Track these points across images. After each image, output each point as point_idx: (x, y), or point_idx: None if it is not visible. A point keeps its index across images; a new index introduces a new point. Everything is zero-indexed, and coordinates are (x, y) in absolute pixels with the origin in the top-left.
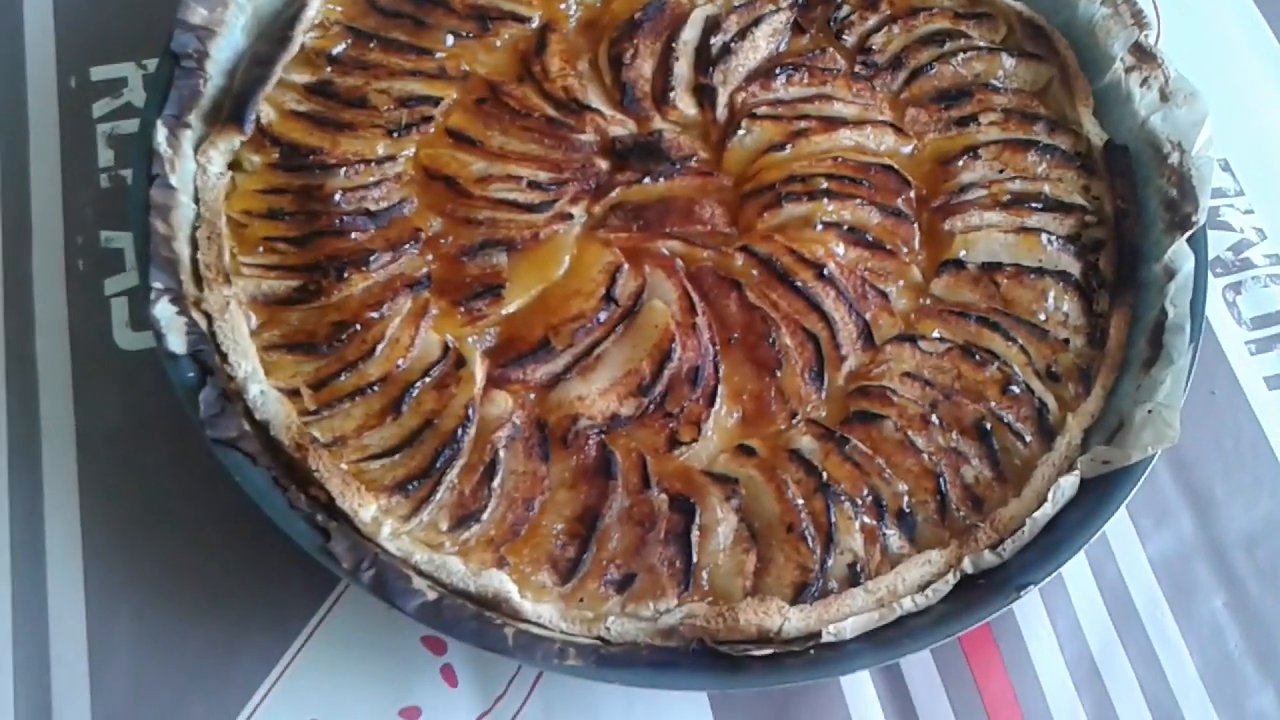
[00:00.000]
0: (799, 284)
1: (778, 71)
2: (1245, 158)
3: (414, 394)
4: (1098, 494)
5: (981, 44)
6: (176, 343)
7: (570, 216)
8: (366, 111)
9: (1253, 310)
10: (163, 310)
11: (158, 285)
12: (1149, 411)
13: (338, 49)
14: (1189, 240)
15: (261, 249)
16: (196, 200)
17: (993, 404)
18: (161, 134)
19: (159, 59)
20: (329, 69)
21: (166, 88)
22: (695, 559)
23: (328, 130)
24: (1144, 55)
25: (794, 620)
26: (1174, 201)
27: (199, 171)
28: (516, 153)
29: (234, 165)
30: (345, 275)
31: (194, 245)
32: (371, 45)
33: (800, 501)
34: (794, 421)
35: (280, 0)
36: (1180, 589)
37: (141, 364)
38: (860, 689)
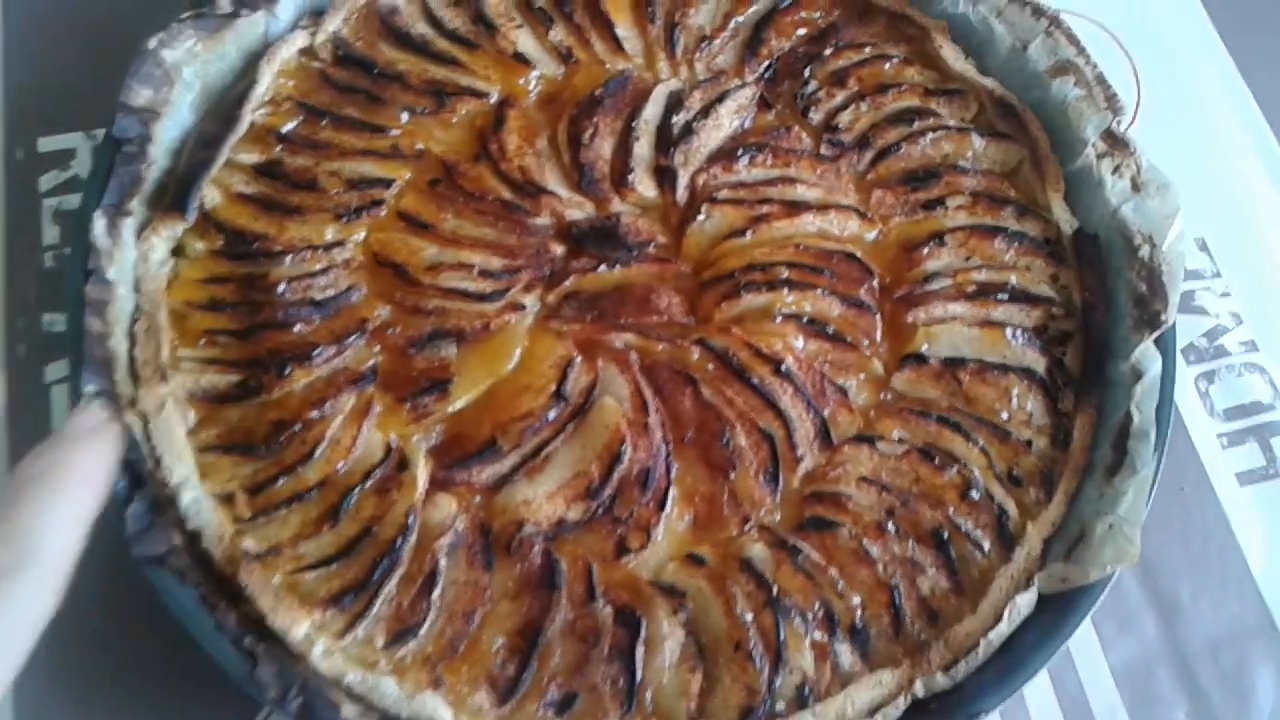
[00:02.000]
0: (755, 381)
1: (740, 153)
2: (1223, 237)
3: (353, 500)
4: (1055, 611)
5: (951, 123)
6: None
7: (523, 306)
8: (315, 194)
9: (1226, 401)
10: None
11: (90, 389)
12: (1110, 526)
13: (288, 126)
14: (1158, 341)
15: (203, 342)
16: (137, 290)
17: (951, 510)
18: (100, 225)
19: (101, 143)
20: (279, 147)
21: (107, 174)
22: (639, 677)
23: (275, 215)
24: (1116, 142)
25: None
26: (1143, 297)
27: (140, 260)
28: (469, 238)
29: (177, 251)
30: (287, 371)
31: (131, 340)
32: (323, 123)
33: (749, 617)
34: (746, 527)
35: (231, 75)
36: (1142, 699)
37: None
38: None
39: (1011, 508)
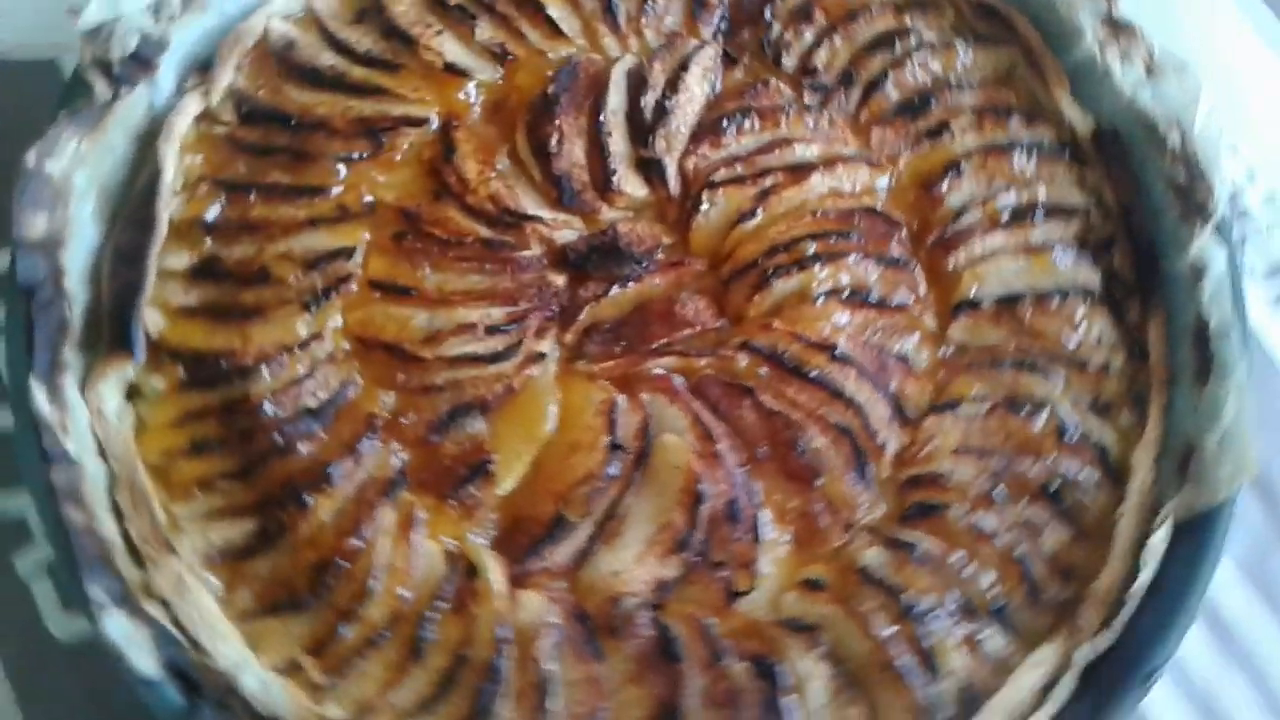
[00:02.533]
0: (814, 373)
1: (725, 123)
2: (1221, 98)
3: (431, 628)
4: (1189, 541)
5: (932, 37)
6: (145, 664)
7: (542, 355)
8: (271, 286)
9: (1263, 263)
10: (115, 628)
11: (98, 597)
12: (1220, 441)
13: (212, 213)
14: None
15: (199, 493)
16: (101, 454)
17: (1051, 459)
18: (40, 394)
19: (7, 297)
20: (209, 240)
21: (27, 330)
22: None
23: (232, 323)
24: (1119, 28)
25: None
26: (1183, 188)
27: (95, 418)
28: (459, 292)
29: (133, 393)
30: (307, 501)
31: (117, 514)
32: (251, 198)
33: (889, 632)
34: (851, 533)
35: (127, 168)
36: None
37: (89, 653)
38: None
39: (1109, 438)
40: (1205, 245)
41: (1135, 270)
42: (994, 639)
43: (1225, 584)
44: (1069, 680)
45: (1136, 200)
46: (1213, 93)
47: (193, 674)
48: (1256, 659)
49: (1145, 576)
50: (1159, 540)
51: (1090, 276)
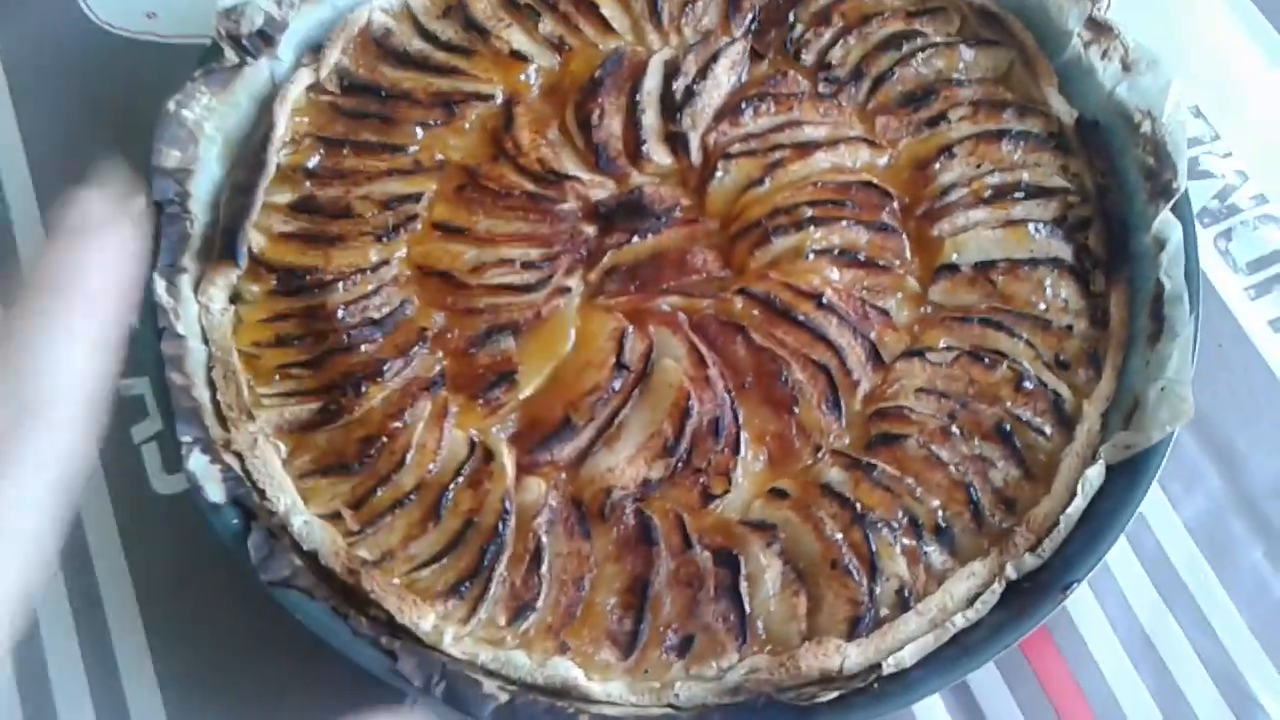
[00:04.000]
0: (800, 317)
1: (744, 106)
2: (1215, 100)
3: (450, 496)
4: (1125, 478)
5: (938, 40)
6: (215, 493)
7: (568, 289)
8: (353, 220)
9: (1247, 255)
10: (196, 463)
11: (186, 439)
12: (1161, 389)
13: (313, 161)
14: (1174, 208)
15: (277, 378)
16: (206, 341)
17: (1009, 404)
18: (160, 285)
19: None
20: (308, 183)
21: (156, 237)
22: (749, 610)
23: (319, 247)
24: (1100, 28)
25: (853, 656)
26: (1152, 170)
27: (202, 312)
28: (505, 234)
29: (235, 298)
30: (363, 390)
31: (211, 387)
32: (345, 151)
33: (839, 536)
34: (819, 455)
35: (248, 123)
36: (1219, 547)
37: (184, 507)
38: (930, 708)
39: (1065, 390)
40: (1165, 219)
41: (1107, 247)
42: (935, 555)
43: (1180, 546)
44: (996, 588)
45: (1113, 184)
46: (1207, 97)
47: (253, 508)
48: (1203, 611)
49: (1078, 503)
50: (1095, 473)
51: (1063, 249)
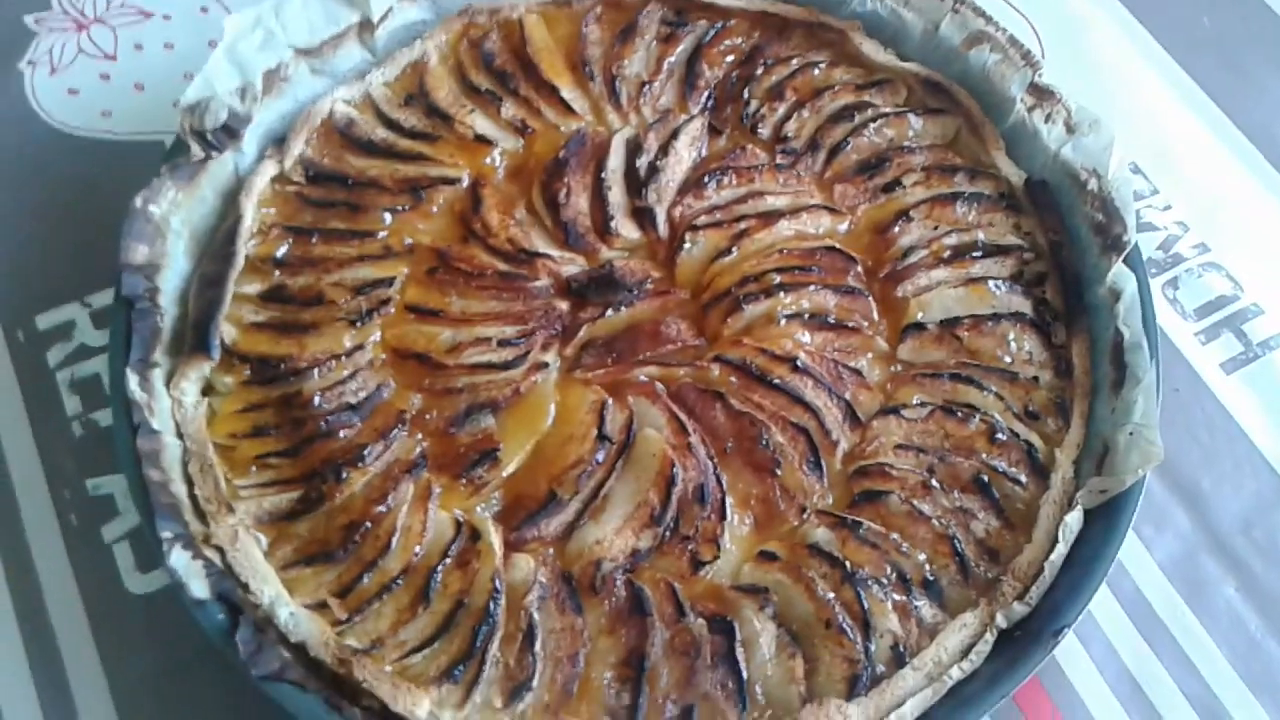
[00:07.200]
0: (777, 381)
1: (707, 179)
2: (1150, 156)
3: (438, 578)
4: (1103, 521)
5: (888, 110)
6: (199, 588)
7: (546, 365)
8: (325, 307)
9: (1194, 301)
10: (178, 559)
11: (167, 535)
12: (1130, 434)
13: (281, 251)
14: (1126, 260)
15: (255, 468)
16: (180, 435)
17: (984, 455)
18: (133, 381)
19: (112, 304)
20: (278, 272)
21: (126, 333)
22: (746, 675)
23: (292, 335)
24: (1042, 93)
25: (855, 717)
26: (1102, 225)
27: (175, 406)
28: (479, 314)
29: (207, 391)
30: (344, 475)
31: (188, 481)
32: (313, 240)
33: (831, 595)
34: (804, 516)
35: (214, 216)
36: (1194, 586)
37: (161, 606)
38: None
39: (1037, 440)
40: (1119, 271)
41: (1064, 299)
42: (925, 609)
43: (1157, 587)
44: (988, 638)
45: (1065, 240)
46: (1144, 154)
47: (238, 602)
48: (1184, 650)
49: (1061, 550)
50: (1074, 519)
51: (1022, 303)
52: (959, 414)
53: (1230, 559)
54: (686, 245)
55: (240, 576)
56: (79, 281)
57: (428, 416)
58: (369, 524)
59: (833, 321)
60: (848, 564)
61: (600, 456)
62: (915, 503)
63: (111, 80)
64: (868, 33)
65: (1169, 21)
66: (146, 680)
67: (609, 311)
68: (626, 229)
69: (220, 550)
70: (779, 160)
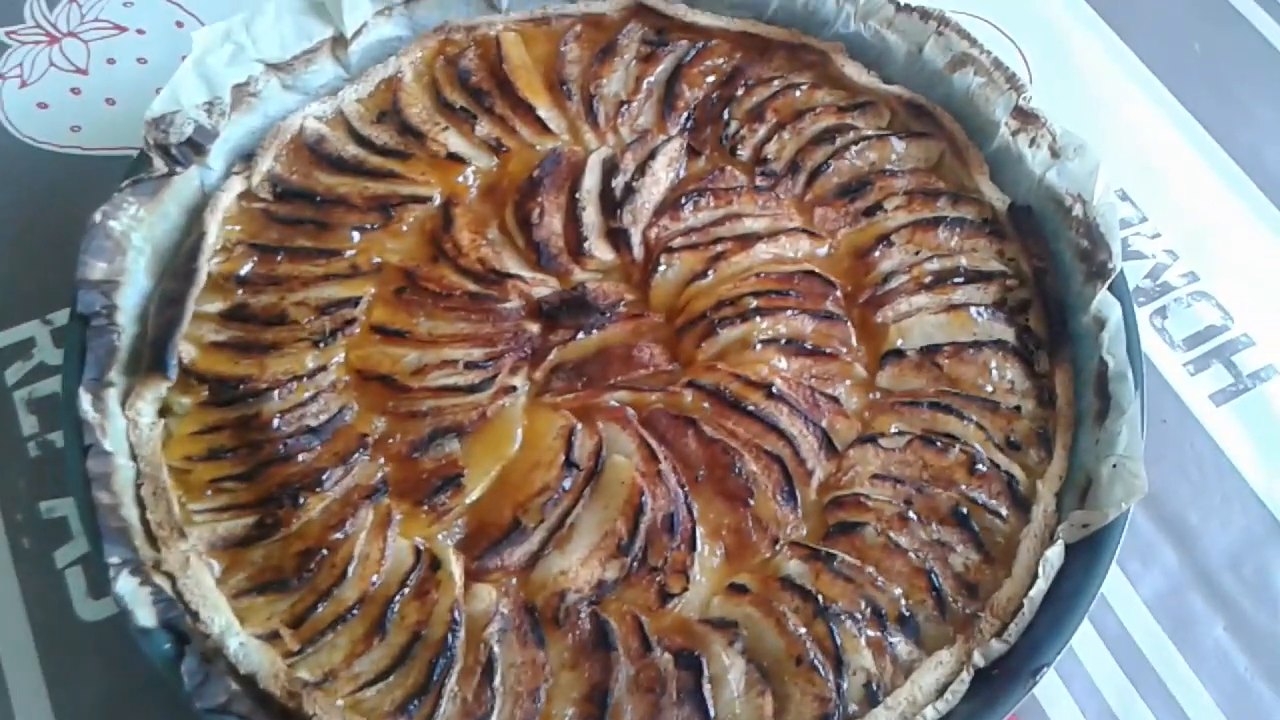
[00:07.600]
0: (751, 407)
1: (684, 200)
2: (1139, 183)
3: (395, 609)
4: (1085, 556)
5: (870, 133)
6: (145, 617)
7: (514, 388)
8: (288, 327)
9: (1182, 332)
10: (125, 585)
11: (114, 560)
12: (1114, 466)
13: (245, 269)
14: (1111, 287)
15: (210, 492)
16: (134, 457)
17: (963, 487)
18: (86, 400)
19: (68, 322)
20: (240, 291)
21: (81, 350)
22: (713, 713)
23: (252, 355)
24: (1026, 117)
25: None
26: (1087, 251)
27: (130, 427)
28: (446, 335)
29: (164, 411)
30: (301, 501)
31: (140, 505)
32: (278, 258)
33: (802, 630)
34: (777, 547)
35: (178, 232)
36: (1180, 624)
37: (112, 634)
38: None
39: (1018, 471)
40: (1104, 299)
41: (1048, 327)
42: (900, 645)
43: (1142, 624)
44: (965, 677)
45: (1049, 266)
46: (1133, 181)
47: (186, 631)
48: (1169, 690)
49: (1041, 585)
50: (1055, 554)
51: (1005, 331)
52: (938, 444)
53: (1218, 596)
54: (661, 267)
55: (190, 604)
56: (41, 299)
57: (390, 440)
58: (325, 551)
59: (810, 347)
60: (820, 598)
61: (567, 484)
62: (892, 535)
63: (82, 95)
64: (851, 55)
65: (1158, 46)
66: (94, 710)
67: (580, 334)
68: (600, 250)
69: (171, 577)
70: (758, 182)
